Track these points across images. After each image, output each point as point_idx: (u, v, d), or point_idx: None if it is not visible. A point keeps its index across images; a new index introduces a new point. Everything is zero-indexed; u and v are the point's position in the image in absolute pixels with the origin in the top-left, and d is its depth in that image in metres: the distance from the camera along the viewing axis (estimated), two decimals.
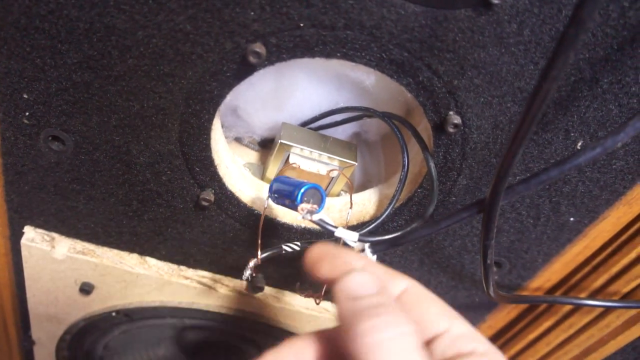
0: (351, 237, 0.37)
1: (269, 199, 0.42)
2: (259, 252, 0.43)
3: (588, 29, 0.36)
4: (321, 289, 0.44)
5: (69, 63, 0.39)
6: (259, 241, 0.45)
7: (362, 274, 0.29)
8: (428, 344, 0.29)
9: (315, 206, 0.38)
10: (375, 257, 0.38)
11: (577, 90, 0.40)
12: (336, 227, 0.38)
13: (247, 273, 0.43)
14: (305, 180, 0.39)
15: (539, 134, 0.43)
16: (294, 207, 0.38)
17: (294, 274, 0.57)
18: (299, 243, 0.43)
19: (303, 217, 0.38)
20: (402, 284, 0.32)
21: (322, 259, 0.31)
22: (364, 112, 0.50)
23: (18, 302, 0.65)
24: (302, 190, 0.38)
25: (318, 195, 0.39)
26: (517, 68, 0.38)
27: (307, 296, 0.44)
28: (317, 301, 0.45)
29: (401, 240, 0.38)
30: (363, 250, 0.38)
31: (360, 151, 0.59)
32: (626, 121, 0.29)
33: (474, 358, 0.28)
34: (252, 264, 0.43)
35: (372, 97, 0.51)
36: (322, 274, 0.31)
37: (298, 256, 0.52)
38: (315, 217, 0.38)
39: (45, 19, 0.36)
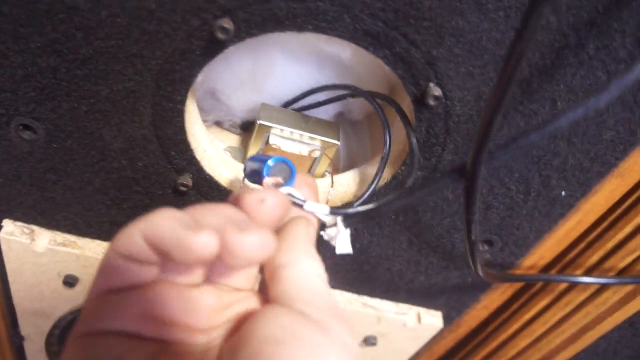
0: (322, 210, 0.36)
1: (245, 179, 0.40)
2: None
3: None
4: None
5: (32, 47, 0.38)
6: None
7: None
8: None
9: (280, 180, 0.36)
10: (348, 230, 0.36)
11: (562, 57, 0.38)
12: (304, 201, 0.36)
13: None
14: (276, 155, 0.37)
15: (525, 104, 0.41)
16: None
17: None
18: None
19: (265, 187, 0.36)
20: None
21: None
22: (344, 90, 0.49)
23: (4, 298, 0.64)
24: (270, 163, 0.36)
25: (287, 169, 0.37)
26: (498, 35, 0.37)
27: None
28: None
29: (375, 212, 0.37)
30: (335, 224, 0.36)
31: (345, 131, 0.58)
32: (610, 80, 0.28)
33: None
34: None
35: (354, 75, 0.50)
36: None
37: None
38: (283, 191, 0.36)
39: (3, 1, 0.35)
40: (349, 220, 0.36)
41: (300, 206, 0.35)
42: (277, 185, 0.36)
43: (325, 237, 0.37)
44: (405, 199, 0.34)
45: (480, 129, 0.28)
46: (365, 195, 0.45)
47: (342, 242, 0.36)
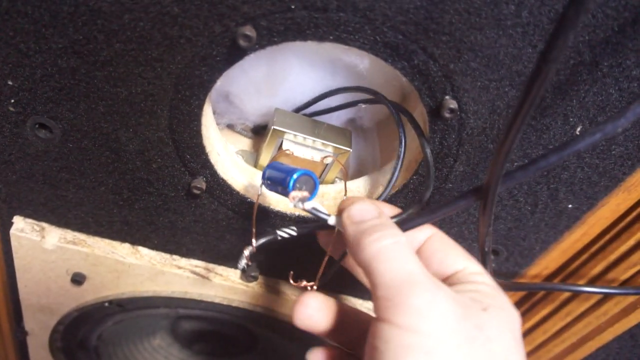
0: None
1: (263, 186, 0.41)
2: (254, 240, 0.42)
3: (588, 10, 0.35)
4: (315, 279, 0.44)
5: (54, 48, 0.38)
6: (254, 230, 0.44)
7: (362, 203, 0.36)
8: (448, 278, 0.36)
9: (306, 193, 0.37)
10: None
11: (576, 73, 0.39)
12: (329, 215, 0.37)
13: (243, 262, 0.42)
14: (298, 167, 0.38)
15: (537, 119, 0.42)
16: (286, 194, 0.37)
17: (288, 262, 0.56)
18: (294, 228, 0.42)
19: (294, 205, 0.37)
20: (428, 231, 0.39)
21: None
22: (356, 93, 0.49)
23: (10, 293, 0.65)
24: (295, 176, 0.37)
25: (311, 182, 0.37)
26: (514, 51, 0.37)
27: (299, 285, 0.43)
28: (312, 290, 0.44)
29: (400, 227, 0.37)
30: None
31: (355, 138, 0.58)
32: (627, 106, 0.28)
33: (481, 285, 0.34)
34: (247, 252, 0.41)
35: (366, 82, 0.50)
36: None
37: (293, 244, 0.52)
38: (307, 206, 0.36)
39: (27, 2, 0.35)
40: None
41: (325, 220, 0.36)
42: (303, 200, 0.36)
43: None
44: (428, 216, 0.35)
45: (498, 152, 0.29)
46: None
47: None
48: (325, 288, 0.59)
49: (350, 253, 0.35)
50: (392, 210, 0.40)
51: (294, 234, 0.41)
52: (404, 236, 0.34)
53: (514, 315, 0.34)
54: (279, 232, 0.42)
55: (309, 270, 0.46)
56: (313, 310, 0.36)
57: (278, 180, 0.38)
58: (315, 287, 0.43)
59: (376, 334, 0.30)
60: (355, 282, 0.43)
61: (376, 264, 0.32)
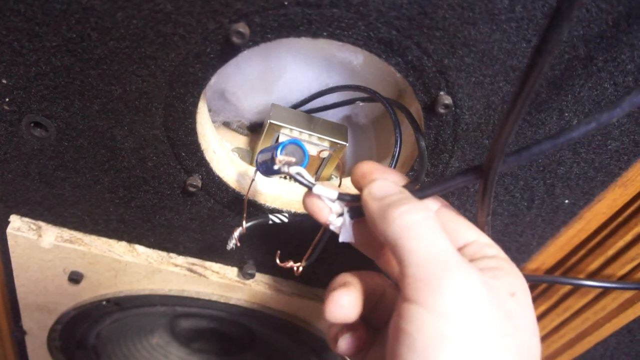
0: (330, 194, 0.36)
1: (257, 173, 0.40)
2: (244, 222, 0.41)
3: (582, 4, 0.35)
4: (301, 260, 0.43)
5: (47, 46, 0.38)
6: (244, 214, 0.43)
7: (383, 180, 0.35)
8: (459, 250, 0.35)
9: (293, 159, 0.36)
10: (352, 221, 0.37)
11: (571, 68, 0.39)
12: (314, 183, 0.36)
13: (232, 243, 0.41)
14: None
15: (533, 114, 0.41)
16: (277, 169, 0.37)
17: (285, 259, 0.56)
18: (286, 215, 0.42)
19: (280, 169, 0.36)
20: (437, 203, 0.37)
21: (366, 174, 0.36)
22: (355, 91, 0.49)
23: (7, 292, 0.65)
24: (283, 144, 0.36)
25: (300, 151, 0.37)
26: (509, 46, 0.37)
27: (285, 266, 0.43)
28: (297, 272, 0.44)
29: None
30: (342, 214, 0.37)
31: (351, 135, 0.58)
32: (623, 96, 0.28)
33: (496, 260, 0.33)
34: (237, 233, 0.41)
35: (362, 79, 0.50)
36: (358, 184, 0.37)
37: (288, 237, 0.52)
38: (292, 170, 0.35)
39: (20, 0, 0.35)
40: (353, 211, 0.36)
41: (310, 188, 0.36)
42: (289, 164, 0.36)
43: (332, 227, 0.37)
44: (420, 192, 0.35)
45: (500, 129, 0.29)
46: None
47: (346, 231, 0.37)
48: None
49: (375, 230, 0.33)
50: (399, 178, 0.38)
51: (285, 220, 0.41)
52: (432, 211, 0.33)
53: (527, 288, 0.33)
54: (271, 216, 0.41)
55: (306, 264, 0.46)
56: (346, 309, 0.35)
57: (268, 156, 0.37)
58: (301, 268, 0.43)
59: (405, 315, 0.29)
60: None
61: (406, 240, 0.30)
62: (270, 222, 0.41)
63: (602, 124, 0.27)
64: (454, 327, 0.27)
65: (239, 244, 0.41)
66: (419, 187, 0.35)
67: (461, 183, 0.34)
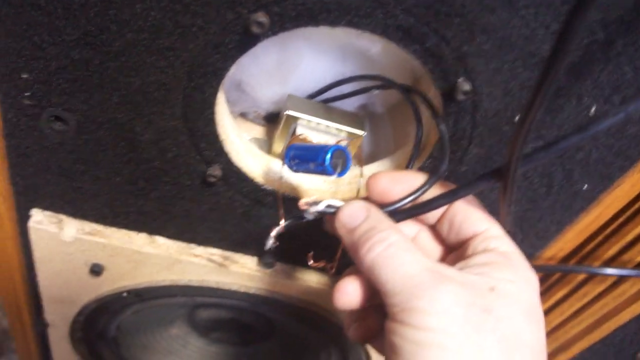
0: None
1: (285, 166, 0.41)
2: (282, 221, 0.42)
3: None
4: (334, 259, 0.44)
5: (67, 40, 0.38)
6: (281, 210, 0.44)
7: (349, 205, 0.36)
8: (468, 240, 0.37)
9: (315, 198, 0.37)
10: None
11: (590, 53, 0.39)
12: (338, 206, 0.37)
13: (270, 242, 0.42)
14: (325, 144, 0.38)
15: (551, 100, 0.41)
16: (319, 170, 0.37)
17: (304, 248, 0.56)
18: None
19: (302, 210, 0.37)
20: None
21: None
22: (372, 81, 0.49)
23: (29, 285, 0.65)
24: (332, 150, 0.37)
25: (343, 156, 0.38)
26: (527, 32, 0.37)
27: (318, 265, 0.44)
28: (331, 271, 0.45)
29: (421, 209, 0.38)
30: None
31: (368, 123, 0.58)
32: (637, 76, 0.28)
33: (493, 254, 0.35)
34: (274, 232, 0.41)
35: (378, 66, 0.50)
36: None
37: (310, 229, 0.52)
38: (320, 207, 0.37)
39: None
40: (394, 217, 0.37)
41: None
42: (316, 203, 0.37)
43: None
44: (449, 197, 0.35)
45: (517, 132, 0.29)
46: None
47: None
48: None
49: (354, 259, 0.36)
50: (417, 178, 0.39)
51: (320, 216, 0.41)
52: (395, 233, 0.34)
53: (527, 282, 0.35)
54: (306, 215, 0.42)
55: (327, 252, 0.46)
56: (351, 296, 0.37)
57: (309, 156, 0.38)
58: (333, 269, 0.44)
59: (391, 330, 0.32)
60: None
61: (378, 271, 0.33)
62: (304, 220, 0.41)
63: (631, 115, 0.27)
64: (430, 335, 0.31)
65: (277, 244, 0.42)
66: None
67: (480, 188, 0.34)
